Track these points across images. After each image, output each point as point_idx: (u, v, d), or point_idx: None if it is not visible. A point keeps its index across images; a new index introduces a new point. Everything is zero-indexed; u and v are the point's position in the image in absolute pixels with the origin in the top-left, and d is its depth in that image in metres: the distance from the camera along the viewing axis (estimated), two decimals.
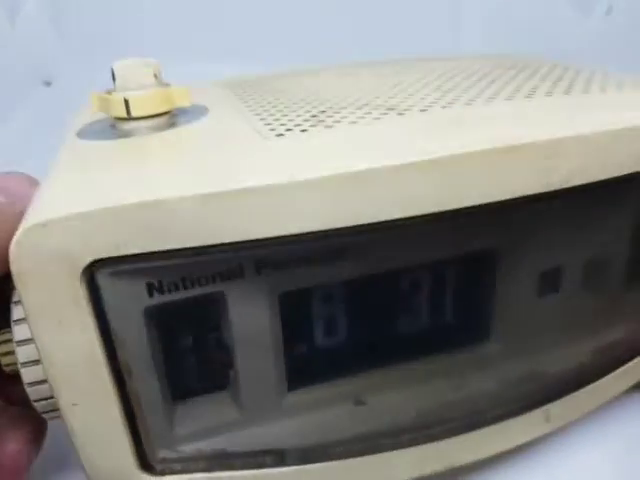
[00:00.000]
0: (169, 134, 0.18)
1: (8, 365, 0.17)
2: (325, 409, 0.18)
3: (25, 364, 0.16)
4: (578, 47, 0.38)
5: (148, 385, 0.16)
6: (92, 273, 0.13)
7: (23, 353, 0.16)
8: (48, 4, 0.55)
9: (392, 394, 0.18)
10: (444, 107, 0.18)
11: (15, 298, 0.17)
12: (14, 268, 0.13)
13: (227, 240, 0.13)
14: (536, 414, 0.19)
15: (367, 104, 0.19)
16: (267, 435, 0.17)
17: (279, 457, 0.17)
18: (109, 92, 0.20)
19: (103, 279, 0.14)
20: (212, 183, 0.13)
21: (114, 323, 0.14)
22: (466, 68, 0.25)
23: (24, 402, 0.17)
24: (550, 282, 0.19)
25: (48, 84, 0.57)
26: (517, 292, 0.18)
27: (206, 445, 0.17)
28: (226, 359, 0.16)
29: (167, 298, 0.15)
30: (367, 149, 0.15)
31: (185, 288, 0.15)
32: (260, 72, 0.28)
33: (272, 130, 0.17)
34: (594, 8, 0.44)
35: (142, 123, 0.19)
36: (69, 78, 0.55)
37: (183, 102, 0.20)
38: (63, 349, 0.14)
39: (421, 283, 0.17)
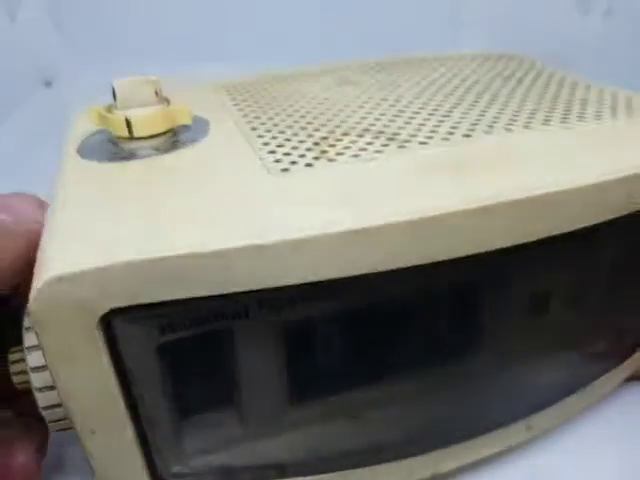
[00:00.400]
0: (174, 159, 0.18)
1: (21, 383, 0.18)
2: (323, 425, 0.19)
3: (41, 389, 0.17)
4: (578, 47, 0.38)
5: (159, 409, 0.17)
6: (108, 319, 0.14)
7: (38, 379, 0.17)
8: (48, 4, 0.55)
9: (385, 410, 0.19)
10: (444, 139, 0.19)
11: (26, 324, 0.17)
12: (34, 316, 0.13)
13: (239, 289, 0.14)
14: (518, 425, 0.21)
15: (368, 130, 0.20)
16: (269, 450, 0.18)
17: (280, 470, 0.18)
18: (109, 108, 0.20)
19: (119, 324, 0.14)
20: (228, 236, 0.14)
21: (128, 360, 0.15)
22: (465, 78, 0.25)
23: (32, 413, 0.17)
24: (536, 306, 0.20)
25: (48, 85, 0.57)
26: (503, 316, 0.19)
27: (214, 459, 0.18)
28: (232, 384, 0.17)
29: (177, 335, 0.15)
30: (367, 200, 0.15)
31: (194, 326, 0.15)
32: (257, 71, 0.28)
33: (277, 162, 0.17)
34: (593, 8, 0.43)
35: (144, 142, 0.19)
36: (69, 79, 0.55)
37: (184, 120, 0.20)
38: (81, 386, 0.15)
39: (414, 312, 0.18)
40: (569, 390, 0.22)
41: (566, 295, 0.20)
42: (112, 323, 0.14)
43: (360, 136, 0.19)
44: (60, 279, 0.13)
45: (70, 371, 0.14)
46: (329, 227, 0.14)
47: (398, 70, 0.27)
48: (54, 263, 0.13)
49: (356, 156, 0.18)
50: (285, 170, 0.17)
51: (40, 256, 0.14)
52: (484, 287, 0.18)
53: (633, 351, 0.23)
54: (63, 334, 0.14)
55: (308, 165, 0.17)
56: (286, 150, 0.18)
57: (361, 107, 0.22)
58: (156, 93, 0.20)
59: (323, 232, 0.14)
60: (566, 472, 0.21)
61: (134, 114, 0.19)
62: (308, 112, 0.22)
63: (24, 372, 0.18)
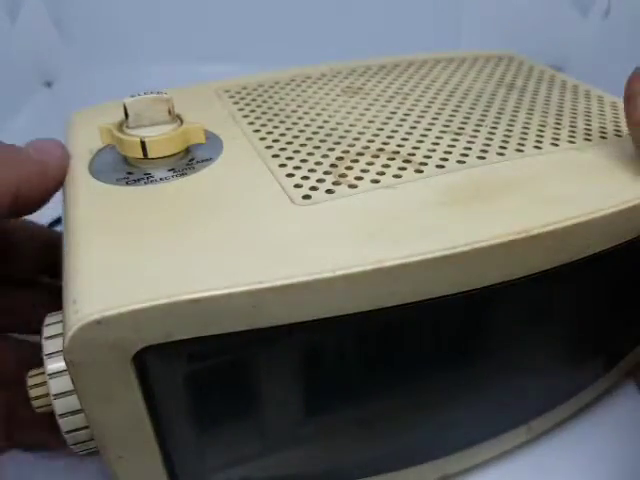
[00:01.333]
0: (193, 184, 0.18)
1: (40, 407, 0.18)
2: (337, 436, 0.19)
3: (63, 415, 0.17)
4: (577, 47, 0.38)
5: (184, 431, 0.17)
6: (141, 356, 0.14)
7: (61, 405, 0.17)
8: (49, 4, 0.54)
9: (396, 421, 0.20)
10: (460, 162, 0.19)
11: (48, 350, 0.17)
12: (68, 358, 0.14)
13: (266, 325, 0.14)
14: (519, 429, 0.22)
15: (383, 149, 0.20)
16: (285, 462, 0.19)
17: None
18: (120, 126, 0.19)
19: (150, 358, 0.14)
20: (259, 275, 0.14)
21: (157, 390, 0.15)
22: (470, 87, 0.25)
23: None
24: (534, 323, 0.20)
25: (49, 85, 0.56)
26: (505, 335, 0.20)
27: (233, 474, 0.19)
28: (252, 403, 0.18)
29: (203, 365, 0.16)
30: (391, 236, 0.16)
31: (219, 355, 0.16)
32: (258, 73, 0.27)
33: (298, 187, 0.18)
34: (593, 8, 0.44)
35: (159, 162, 0.19)
36: (70, 79, 0.55)
37: (199, 140, 0.20)
38: (113, 419, 0.15)
39: (422, 331, 0.19)
40: (566, 395, 0.23)
41: (562, 317, 0.21)
42: (144, 358, 0.14)
43: (375, 157, 0.19)
44: (96, 323, 0.13)
45: (103, 407, 0.15)
46: (356, 266, 0.14)
47: (403, 75, 0.27)
48: (87, 306, 0.13)
49: (376, 182, 0.18)
50: (307, 197, 0.17)
51: (69, 295, 0.14)
52: (491, 307, 0.19)
53: (622, 358, 0.25)
54: (97, 374, 0.14)
55: (329, 192, 0.17)
56: (304, 173, 0.18)
57: (372, 122, 0.22)
58: (169, 112, 0.19)
59: (351, 271, 0.14)
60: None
61: (149, 136, 0.19)
62: (320, 127, 0.22)
63: (44, 396, 0.18)
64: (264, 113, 0.23)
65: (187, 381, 0.16)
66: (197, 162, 0.20)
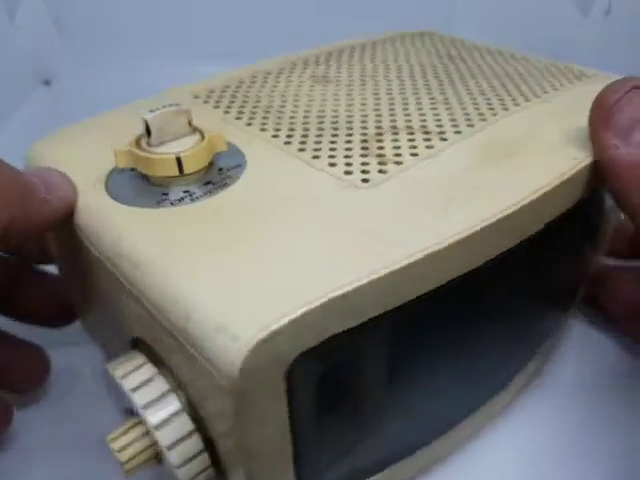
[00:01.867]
0: (241, 192, 0.18)
1: (130, 460, 0.17)
2: (419, 413, 0.20)
3: (172, 446, 0.16)
4: (577, 47, 0.39)
5: (314, 431, 0.17)
6: (292, 366, 0.14)
7: (165, 436, 0.16)
8: (48, 3, 0.54)
9: (463, 381, 0.22)
10: (469, 125, 0.21)
11: (132, 385, 0.16)
12: (238, 389, 0.13)
13: (399, 303, 0.15)
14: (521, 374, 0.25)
15: (396, 127, 0.21)
16: (382, 446, 0.20)
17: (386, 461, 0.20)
18: (139, 145, 0.18)
19: (298, 367, 0.14)
20: (381, 261, 0.14)
21: (298, 399, 0.15)
22: (422, 64, 0.28)
23: None
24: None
25: (47, 83, 0.55)
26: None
27: (343, 468, 0.19)
28: (355, 396, 0.18)
29: (340, 358, 0.16)
30: (466, 204, 0.17)
31: (355, 345, 0.16)
32: (213, 75, 0.27)
33: (348, 174, 0.18)
34: (593, 8, 0.46)
35: (191, 178, 0.18)
36: (68, 77, 0.55)
37: (221, 148, 0.19)
38: (263, 441, 0.14)
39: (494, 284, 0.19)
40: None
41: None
42: (294, 369, 0.14)
43: (395, 134, 0.20)
44: (263, 342, 0.13)
45: (258, 431, 0.14)
46: (467, 229, 0.15)
47: (353, 61, 0.28)
48: (244, 328, 0.13)
49: (415, 155, 0.19)
50: (365, 181, 0.18)
51: (204, 325, 0.13)
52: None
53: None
54: (260, 397, 0.13)
55: (382, 172, 0.18)
56: (344, 160, 0.19)
57: (364, 105, 0.23)
58: (189, 123, 0.18)
59: (447, 244, 0.15)
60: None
61: (183, 151, 0.17)
62: (320, 117, 0.22)
63: (141, 453, 0.16)
64: (253, 113, 0.23)
65: (319, 383, 0.15)
66: (228, 170, 0.19)
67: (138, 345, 0.18)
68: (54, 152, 0.21)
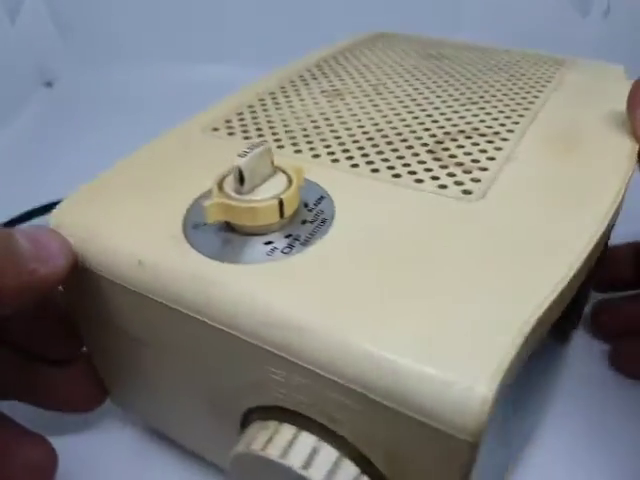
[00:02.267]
0: (351, 228, 0.16)
1: None
2: None
3: None
4: (577, 47, 0.38)
5: None
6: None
7: None
8: (49, 5, 0.54)
9: None
10: (514, 122, 0.21)
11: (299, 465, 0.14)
12: (474, 440, 0.12)
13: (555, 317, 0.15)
14: None
15: (449, 133, 0.21)
16: None
17: None
18: (224, 193, 0.16)
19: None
20: (547, 274, 0.14)
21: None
22: (414, 66, 0.28)
23: None
24: None
25: (49, 85, 0.56)
26: None
27: None
28: None
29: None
30: (575, 191, 0.17)
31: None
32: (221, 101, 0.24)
33: (443, 188, 0.17)
34: (592, 8, 0.46)
35: (284, 221, 0.16)
36: (70, 79, 0.56)
37: (301, 181, 0.17)
38: None
39: None
40: None
41: None
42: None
43: (454, 140, 0.20)
44: (500, 384, 0.12)
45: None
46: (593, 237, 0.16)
47: (350, 70, 0.27)
48: (476, 374, 0.12)
49: (492, 159, 0.19)
50: (467, 192, 0.17)
51: (429, 377, 0.12)
52: None
53: None
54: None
55: (474, 180, 0.18)
56: (428, 174, 0.18)
57: (398, 114, 0.22)
58: (272, 162, 0.17)
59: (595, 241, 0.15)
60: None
61: (280, 193, 0.16)
62: (363, 131, 0.21)
63: None
64: (292, 137, 0.21)
65: None
66: (315, 205, 0.17)
67: (258, 416, 0.16)
68: (89, 217, 0.18)
